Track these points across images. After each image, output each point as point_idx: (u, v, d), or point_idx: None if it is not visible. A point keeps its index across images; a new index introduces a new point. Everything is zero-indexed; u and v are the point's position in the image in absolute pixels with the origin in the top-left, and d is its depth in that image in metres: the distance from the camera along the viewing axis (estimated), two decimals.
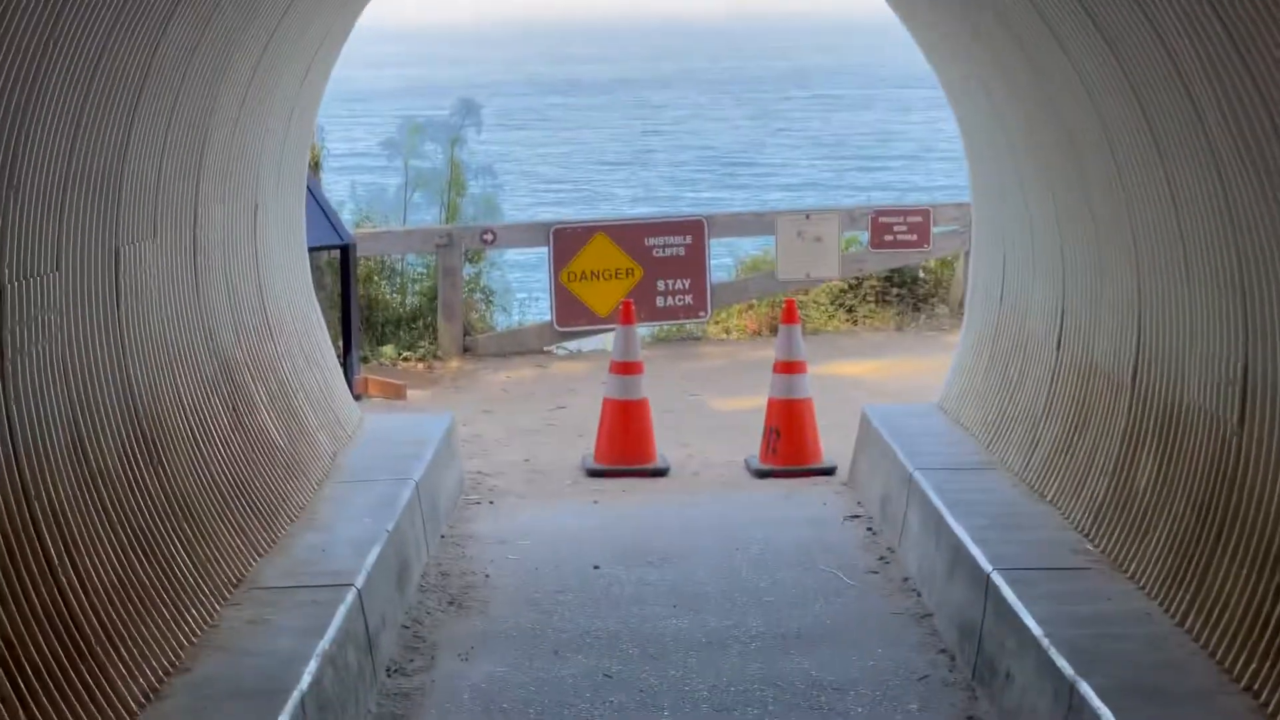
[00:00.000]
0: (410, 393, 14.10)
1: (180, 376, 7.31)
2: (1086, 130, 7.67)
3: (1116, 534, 7.10)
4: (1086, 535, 7.41)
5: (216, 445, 7.54)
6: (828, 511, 9.89)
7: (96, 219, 6.32)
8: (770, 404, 11.08)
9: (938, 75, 10.44)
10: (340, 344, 14.37)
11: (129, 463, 6.41)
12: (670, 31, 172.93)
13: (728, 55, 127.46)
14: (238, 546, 7.11)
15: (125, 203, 6.65)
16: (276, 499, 7.96)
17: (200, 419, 7.43)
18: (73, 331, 6.07)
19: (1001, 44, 8.50)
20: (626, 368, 11.17)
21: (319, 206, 13.91)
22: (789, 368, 11.04)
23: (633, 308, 11.39)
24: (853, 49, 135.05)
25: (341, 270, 14.18)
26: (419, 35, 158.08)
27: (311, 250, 14.37)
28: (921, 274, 17.20)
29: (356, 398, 13.83)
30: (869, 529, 9.43)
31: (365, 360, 15.13)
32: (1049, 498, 8.08)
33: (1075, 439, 8.00)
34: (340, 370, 10.66)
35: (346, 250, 14.00)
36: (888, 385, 14.01)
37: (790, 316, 11.16)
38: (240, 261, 8.73)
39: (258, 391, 8.53)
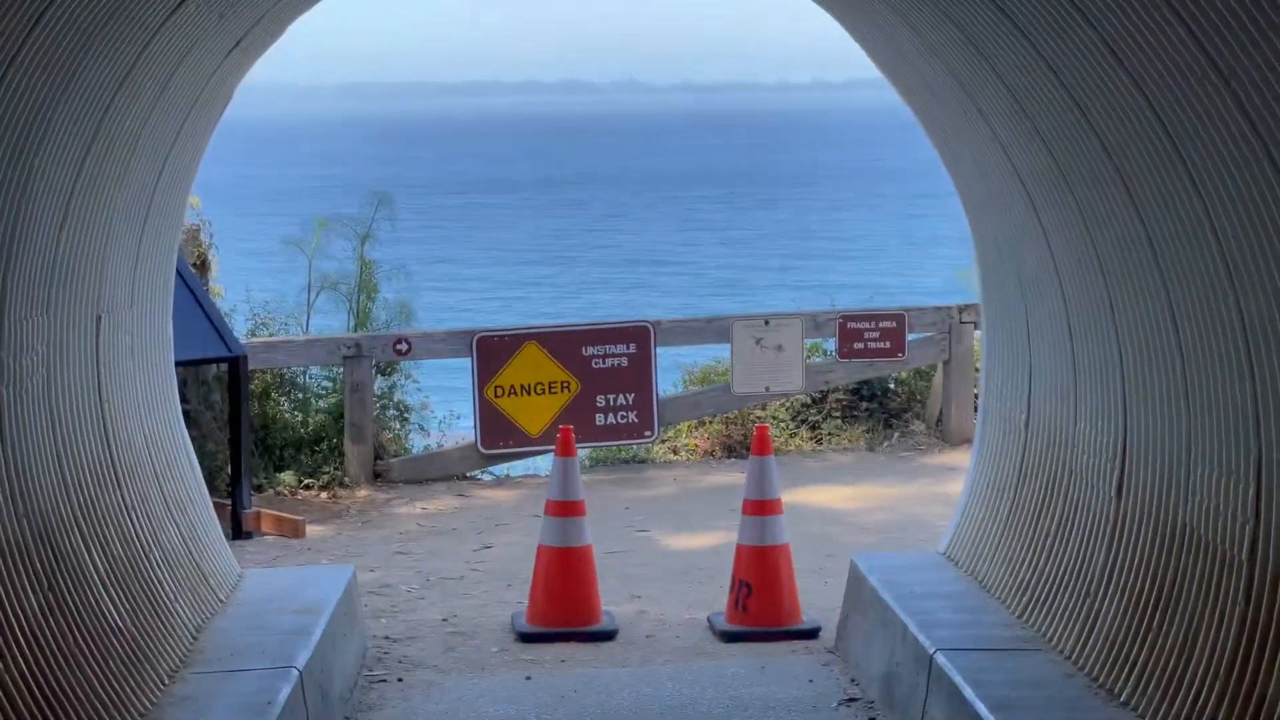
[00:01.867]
0: (311, 528, 12.11)
1: None
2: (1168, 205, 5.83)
3: None
4: None
5: (16, 640, 5.56)
6: (816, 691, 7.99)
7: None
8: (739, 552, 9.16)
9: (924, 126, 8.57)
10: (229, 471, 12.47)
11: None
12: (599, 130, 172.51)
13: (649, 153, 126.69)
14: None
15: None
16: (105, 706, 5.98)
17: None
18: None
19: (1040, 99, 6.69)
20: (566, 509, 9.22)
21: (204, 314, 12.05)
22: (762, 508, 9.13)
23: (572, 436, 9.43)
24: (789, 145, 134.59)
25: (230, 386, 12.28)
26: (341, 134, 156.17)
27: (197, 363, 12.50)
28: (893, 385, 15.32)
29: (247, 535, 11.91)
30: (872, 719, 7.53)
31: (260, 489, 13.14)
32: (1124, 698, 6.19)
33: (1159, 620, 6.12)
34: (214, 516, 8.68)
35: (237, 363, 12.14)
36: (868, 519, 12.10)
37: (762, 446, 9.23)
38: (73, 388, 6.79)
39: (90, 557, 6.56)
